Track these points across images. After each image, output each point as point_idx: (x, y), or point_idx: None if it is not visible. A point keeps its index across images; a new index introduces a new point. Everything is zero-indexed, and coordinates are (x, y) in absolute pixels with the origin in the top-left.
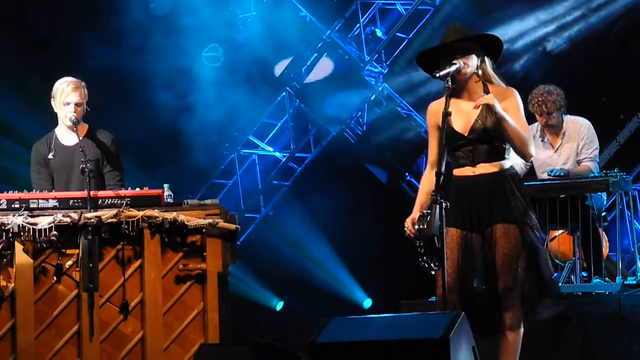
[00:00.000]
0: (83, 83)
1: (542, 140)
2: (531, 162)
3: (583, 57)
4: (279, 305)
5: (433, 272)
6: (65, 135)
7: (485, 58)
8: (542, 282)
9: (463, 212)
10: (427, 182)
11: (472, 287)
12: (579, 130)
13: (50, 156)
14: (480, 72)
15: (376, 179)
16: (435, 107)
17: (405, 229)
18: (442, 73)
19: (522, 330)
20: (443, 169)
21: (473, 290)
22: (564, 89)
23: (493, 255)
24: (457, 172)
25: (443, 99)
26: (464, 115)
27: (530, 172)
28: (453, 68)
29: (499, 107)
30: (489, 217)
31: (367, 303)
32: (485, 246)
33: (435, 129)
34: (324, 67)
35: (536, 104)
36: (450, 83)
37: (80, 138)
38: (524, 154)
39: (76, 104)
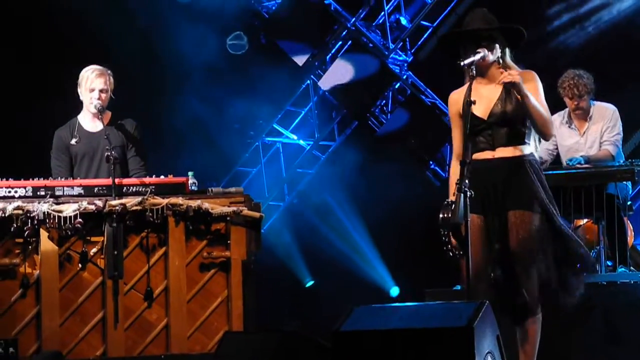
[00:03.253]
0: (109, 71)
1: (570, 127)
2: (557, 149)
3: (610, 44)
4: (309, 283)
5: (460, 260)
6: (89, 122)
7: (506, 49)
8: (571, 266)
9: (482, 197)
10: (455, 173)
11: (496, 274)
12: (604, 114)
13: (73, 142)
14: (500, 60)
15: (401, 165)
16: (456, 96)
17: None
18: (467, 61)
19: (540, 316)
20: (469, 157)
21: (498, 278)
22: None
23: (509, 241)
24: (476, 156)
25: (463, 88)
26: (483, 100)
27: (556, 159)
28: (478, 57)
29: (522, 85)
30: (506, 202)
31: (395, 291)
32: (502, 231)
33: (457, 118)
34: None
35: (567, 87)
36: (474, 72)
37: (105, 125)
38: (544, 134)
39: (100, 91)
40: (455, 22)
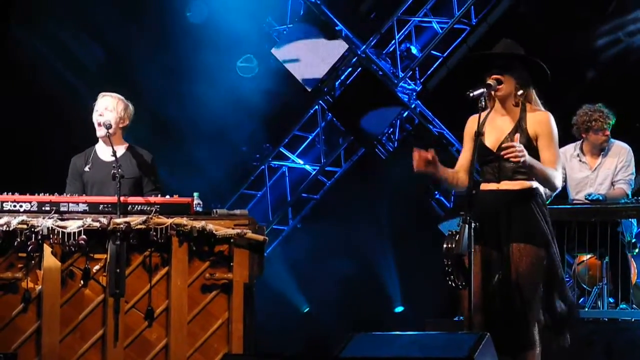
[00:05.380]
0: (122, 97)
1: (580, 161)
2: (565, 181)
3: (617, 82)
4: (305, 309)
5: (459, 291)
6: (104, 151)
7: (530, 85)
8: (557, 308)
9: (484, 228)
10: (457, 172)
11: (496, 306)
12: (620, 152)
13: (86, 169)
14: (522, 96)
15: (406, 194)
16: (473, 121)
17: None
18: (474, 93)
19: (538, 350)
20: (474, 188)
21: (498, 310)
22: None
23: (509, 274)
24: (482, 186)
25: (484, 113)
26: (497, 130)
27: (562, 194)
28: (483, 90)
29: (527, 160)
30: (507, 235)
31: (399, 308)
32: (503, 264)
33: (469, 139)
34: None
35: (600, 119)
36: (483, 103)
37: (114, 147)
38: (549, 188)
39: (105, 108)
40: (466, 52)
